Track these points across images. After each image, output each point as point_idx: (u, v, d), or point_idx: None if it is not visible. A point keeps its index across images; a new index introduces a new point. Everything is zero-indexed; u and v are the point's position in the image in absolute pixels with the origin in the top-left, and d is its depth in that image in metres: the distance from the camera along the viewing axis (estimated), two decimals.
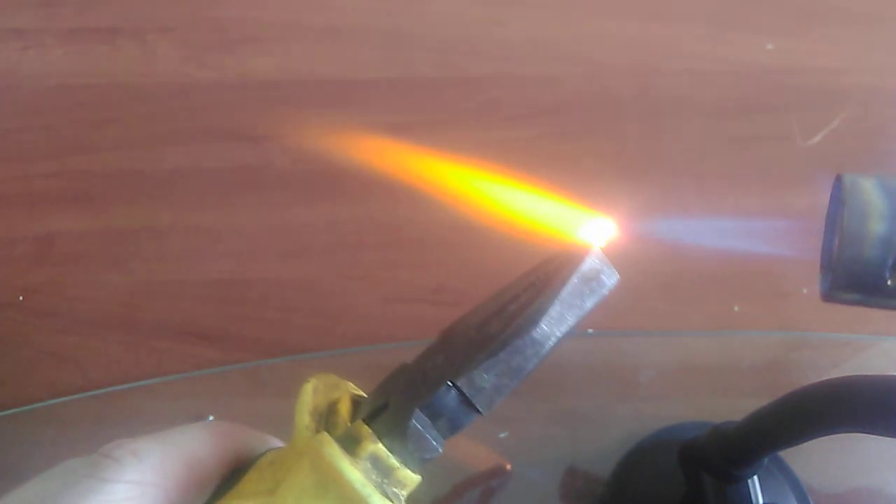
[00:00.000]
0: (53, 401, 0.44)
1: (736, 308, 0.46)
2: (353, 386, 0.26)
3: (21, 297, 0.46)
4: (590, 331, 0.45)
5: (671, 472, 0.37)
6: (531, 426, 0.43)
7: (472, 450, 0.42)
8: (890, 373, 0.26)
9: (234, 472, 0.24)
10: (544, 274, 0.23)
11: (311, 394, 0.24)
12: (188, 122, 0.49)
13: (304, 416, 0.23)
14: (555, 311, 0.22)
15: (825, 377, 0.28)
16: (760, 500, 0.34)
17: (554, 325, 0.22)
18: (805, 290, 0.46)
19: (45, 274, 0.46)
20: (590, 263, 0.23)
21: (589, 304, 0.23)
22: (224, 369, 0.45)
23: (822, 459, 0.41)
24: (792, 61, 0.51)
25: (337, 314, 0.46)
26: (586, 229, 0.25)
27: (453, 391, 0.22)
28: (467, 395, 0.22)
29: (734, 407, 0.35)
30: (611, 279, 0.24)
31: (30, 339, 0.45)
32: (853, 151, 0.50)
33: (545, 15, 0.52)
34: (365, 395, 0.25)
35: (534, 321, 0.22)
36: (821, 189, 0.49)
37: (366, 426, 0.22)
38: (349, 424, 0.23)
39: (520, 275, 0.24)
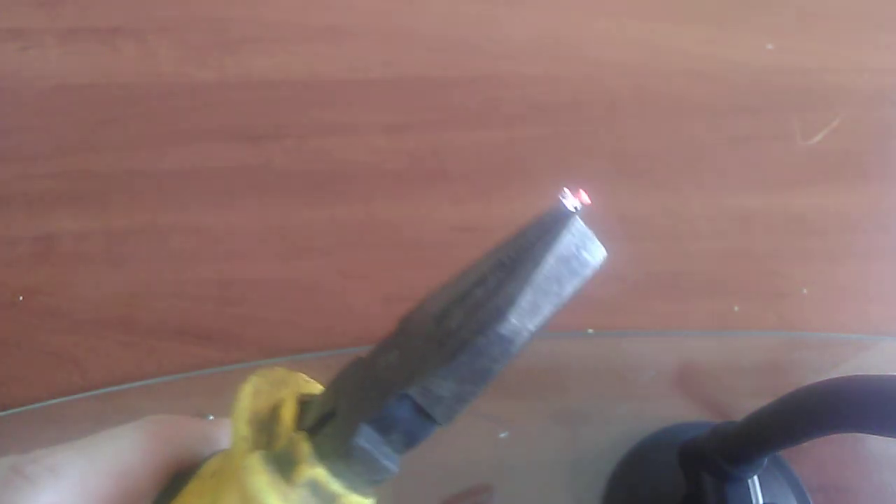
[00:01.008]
0: (53, 401, 0.44)
1: (736, 308, 0.46)
2: (306, 379, 0.23)
3: (21, 297, 0.46)
4: (590, 331, 0.45)
5: (671, 472, 0.37)
6: (531, 426, 0.43)
7: (472, 450, 0.42)
8: (890, 373, 0.26)
9: (177, 477, 0.22)
10: (515, 250, 0.19)
11: (250, 397, 0.21)
12: (188, 122, 0.49)
13: (240, 425, 0.20)
14: (526, 299, 0.18)
15: (825, 377, 0.28)
16: (760, 500, 0.34)
17: (525, 318, 0.18)
18: (805, 290, 0.46)
19: (45, 274, 0.46)
20: (568, 238, 0.19)
21: (569, 288, 0.19)
22: (224, 369, 0.45)
23: (822, 459, 0.41)
24: (792, 61, 0.52)
25: (337, 314, 0.46)
26: (566, 197, 0.20)
27: (407, 401, 0.19)
28: (423, 406, 0.19)
29: (734, 407, 0.35)
30: (595, 256, 0.19)
31: (30, 339, 0.45)
32: (853, 151, 0.50)
33: (545, 15, 0.52)
34: (318, 390, 0.22)
35: (501, 314, 0.18)
36: (821, 189, 0.50)
37: (306, 443, 0.19)
38: (292, 435, 0.20)
39: (489, 249, 0.20)
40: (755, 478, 0.34)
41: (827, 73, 0.51)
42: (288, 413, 0.20)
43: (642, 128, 0.50)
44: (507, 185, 0.48)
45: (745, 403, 0.33)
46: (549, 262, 0.18)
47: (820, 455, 0.41)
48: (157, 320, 0.45)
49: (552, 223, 0.19)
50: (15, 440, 0.43)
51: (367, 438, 0.19)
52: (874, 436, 0.26)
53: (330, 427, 0.19)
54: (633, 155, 0.49)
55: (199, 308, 0.46)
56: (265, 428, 0.20)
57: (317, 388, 0.23)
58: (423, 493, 0.41)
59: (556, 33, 0.52)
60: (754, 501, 0.34)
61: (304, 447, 0.19)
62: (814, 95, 0.51)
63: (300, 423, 0.20)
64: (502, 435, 0.42)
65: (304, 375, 0.23)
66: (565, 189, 0.20)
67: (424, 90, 0.50)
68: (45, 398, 0.44)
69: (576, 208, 0.20)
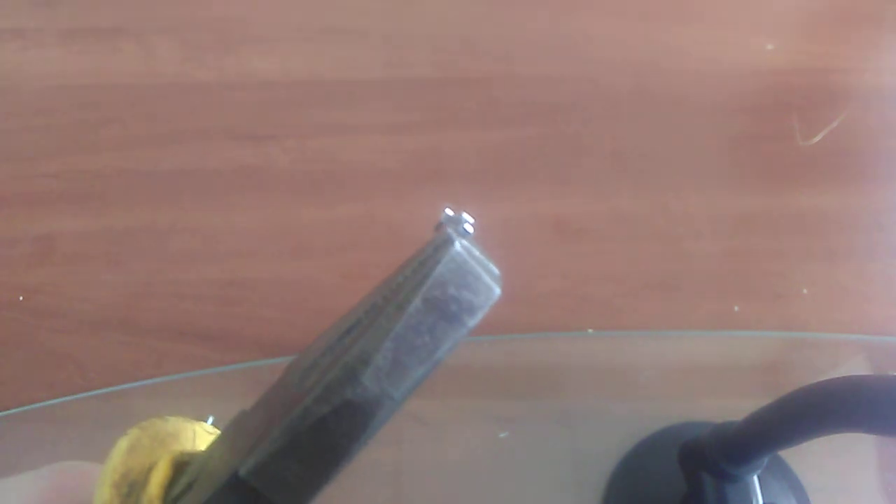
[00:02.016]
0: (53, 401, 0.44)
1: (736, 308, 0.46)
2: (209, 430, 0.20)
3: (21, 297, 0.46)
4: (590, 331, 0.45)
5: (671, 472, 0.37)
6: (531, 426, 0.43)
7: (472, 450, 0.42)
8: (890, 373, 0.26)
9: None
10: (390, 287, 0.16)
11: (123, 455, 0.18)
12: (188, 122, 0.49)
13: (104, 489, 0.17)
14: (384, 356, 0.14)
15: (825, 377, 0.28)
16: (760, 500, 0.34)
17: (384, 380, 0.14)
18: (805, 291, 0.46)
19: (45, 274, 0.46)
20: (443, 273, 0.14)
21: (445, 340, 0.15)
22: (224, 369, 0.45)
23: (822, 459, 0.41)
24: (792, 61, 0.52)
25: (337, 314, 0.46)
26: (447, 218, 0.16)
27: (242, 485, 0.15)
28: (261, 489, 0.15)
29: (734, 407, 0.35)
30: (482, 296, 0.15)
31: (30, 339, 0.45)
32: (853, 151, 0.50)
33: (545, 15, 0.52)
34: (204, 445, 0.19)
35: (350, 376, 0.14)
36: (821, 189, 0.50)
37: None
38: None
39: (382, 280, 0.17)
40: (755, 478, 0.34)
41: (827, 73, 0.51)
42: (157, 479, 0.18)
43: (642, 128, 0.50)
44: (507, 185, 0.48)
45: (745, 403, 0.33)
46: (416, 306, 0.14)
47: (820, 455, 0.41)
48: (157, 320, 0.45)
49: (430, 255, 0.15)
50: (15, 440, 0.43)
51: None
52: (874, 436, 0.26)
53: (184, 502, 0.17)
54: (633, 155, 0.49)
55: (199, 308, 0.46)
56: (135, 492, 0.18)
57: (205, 442, 0.20)
58: (423, 493, 0.41)
59: (556, 33, 0.52)
60: (754, 501, 0.34)
61: None
62: (814, 95, 0.51)
63: (170, 491, 0.18)
64: (502, 435, 0.42)
65: (206, 426, 0.20)
66: (446, 208, 0.16)
67: (424, 90, 0.50)
68: (45, 398, 0.44)
69: (458, 234, 0.15)
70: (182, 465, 0.18)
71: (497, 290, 0.15)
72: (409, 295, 0.14)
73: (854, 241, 0.48)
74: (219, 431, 0.20)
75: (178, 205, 0.48)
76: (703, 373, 0.44)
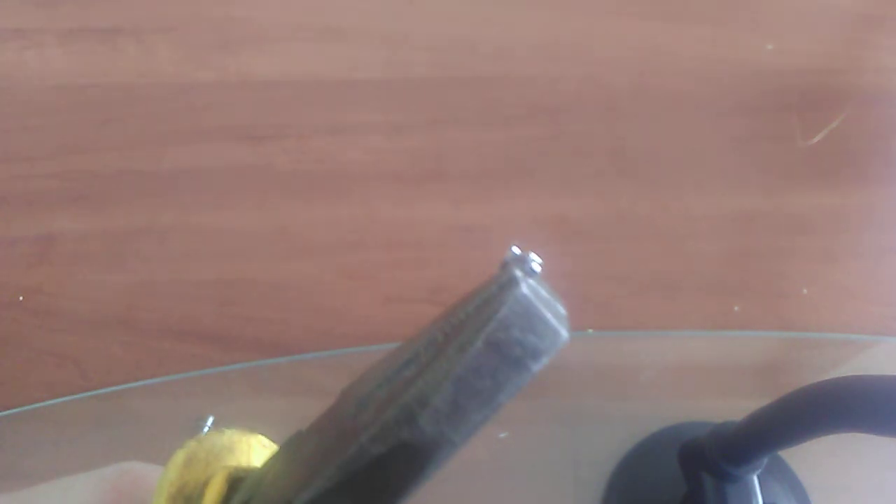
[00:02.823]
0: (53, 401, 0.44)
1: (736, 308, 0.46)
2: (264, 443, 0.20)
3: (21, 297, 0.46)
4: (590, 331, 0.45)
5: (671, 472, 0.37)
6: (531, 426, 0.43)
7: (472, 450, 0.42)
8: (890, 373, 0.26)
9: None
10: (451, 323, 0.15)
11: (179, 469, 0.18)
12: (188, 122, 0.49)
13: (160, 501, 0.17)
14: (443, 398, 0.14)
15: (825, 377, 0.28)
16: (760, 500, 0.34)
17: (443, 423, 0.14)
18: (805, 291, 0.46)
19: (45, 274, 0.46)
20: (507, 316, 0.14)
21: (508, 385, 0.14)
22: (224, 369, 0.45)
23: (822, 459, 0.41)
24: (792, 61, 0.51)
25: (337, 314, 0.46)
26: (514, 257, 0.15)
27: None
28: None
29: (734, 407, 0.35)
30: (548, 341, 0.14)
31: (30, 339, 0.45)
32: (853, 151, 0.50)
33: (545, 15, 0.52)
34: (261, 460, 0.19)
35: (408, 417, 0.14)
36: (821, 189, 0.50)
37: None
38: None
39: (444, 310, 0.16)
40: (755, 478, 0.34)
41: (827, 73, 0.51)
42: (211, 495, 0.17)
43: (642, 128, 0.50)
44: (507, 185, 0.48)
45: (745, 403, 0.33)
46: (478, 349, 0.14)
47: (820, 455, 0.41)
48: (157, 320, 0.45)
49: (495, 293, 0.15)
50: (15, 440, 0.43)
51: None
52: (874, 436, 0.26)
53: None
54: (633, 155, 0.49)
55: (199, 308, 0.46)
56: None
57: (268, 453, 0.20)
58: (424, 493, 0.41)
59: (556, 33, 0.52)
60: (754, 501, 0.34)
61: None
62: (814, 95, 0.51)
63: None
64: (502, 435, 0.42)
65: (262, 439, 0.20)
66: (513, 247, 0.15)
67: (424, 90, 0.50)
68: (45, 398, 0.44)
69: (524, 273, 0.15)
70: (237, 480, 0.18)
71: (564, 334, 0.14)
72: (472, 336, 0.14)
73: (854, 241, 0.48)
74: (272, 444, 0.20)
75: (178, 205, 0.48)
76: (703, 373, 0.44)
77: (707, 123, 0.50)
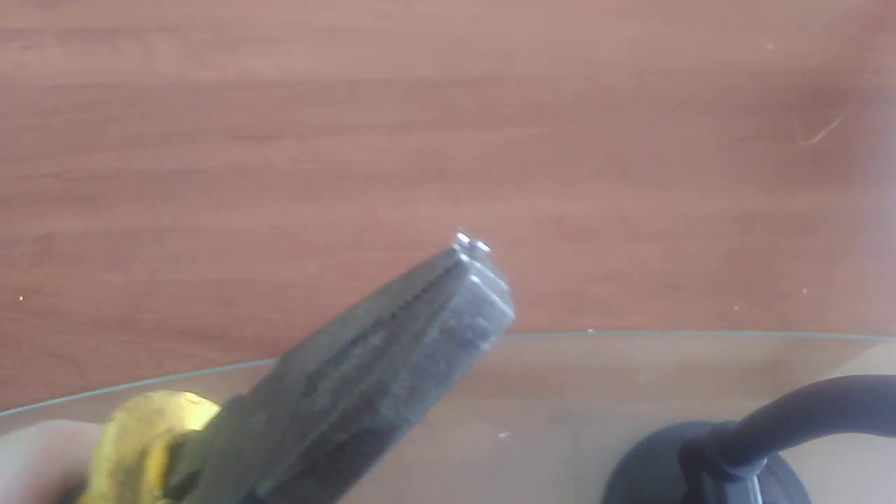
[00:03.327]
0: (53, 401, 0.44)
1: (736, 308, 0.46)
2: (193, 400, 0.20)
3: (21, 297, 0.46)
4: (590, 331, 0.45)
5: (671, 472, 0.37)
6: (531, 426, 0.43)
7: (472, 450, 0.42)
8: (890, 373, 0.26)
9: (67, 497, 0.19)
10: (398, 304, 0.16)
11: (113, 442, 0.17)
12: (188, 122, 0.49)
13: (100, 479, 0.17)
14: (402, 385, 0.15)
15: (825, 377, 0.28)
16: (760, 500, 0.34)
17: (402, 407, 0.15)
18: (805, 290, 0.46)
19: (45, 274, 0.46)
20: (459, 303, 0.15)
21: (460, 366, 0.15)
22: (224, 369, 0.45)
23: (822, 459, 0.41)
24: (792, 61, 0.51)
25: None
26: (461, 243, 0.16)
27: (259, 501, 0.15)
28: None
29: (734, 407, 0.35)
30: (496, 322, 0.15)
31: (30, 339, 0.45)
32: (853, 151, 0.50)
33: (545, 15, 0.52)
34: (205, 415, 0.19)
35: (370, 405, 0.14)
36: (821, 189, 0.50)
37: None
38: (153, 500, 0.17)
39: (381, 287, 0.17)
40: (755, 478, 0.34)
41: (827, 73, 0.51)
42: (154, 466, 0.17)
43: (642, 128, 0.50)
44: (507, 185, 0.48)
45: (745, 403, 0.33)
46: (433, 336, 0.14)
47: (820, 455, 0.41)
48: (157, 320, 0.45)
49: (442, 277, 0.15)
50: None
51: None
52: (874, 436, 0.26)
53: (189, 501, 0.16)
54: (633, 155, 0.49)
55: (199, 308, 0.46)
56: (131, 479, 0.17)
57: (204, 412, 0.20)
58: (423, 493, 0.41)
59: (556, 33, 0.52)
60: (754, 501, 0.34)
61: None
62: (814, 95, 0.51)
63: (169, 478, 0.17)
64: (502, 435, 0.42)
65: (190, 396, 0.20)
66: (460, 233, 0.16)
67: (424, 90, 0.50)
68: (45, 398, 0.44)
69: (470, 258, 0.16)
70: (177, 446, 0.18)
71: (510, 314, 0.15)
72: (426, 325, 0.15)
73: (854, 241, 0.48)
74: (201, 400, 0.20)
75: (178, 205, 0.48)
76: (703, 373, 0.44)
77: (707, 123, 0.50)
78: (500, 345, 0.43)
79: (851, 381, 0.27)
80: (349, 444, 0.15)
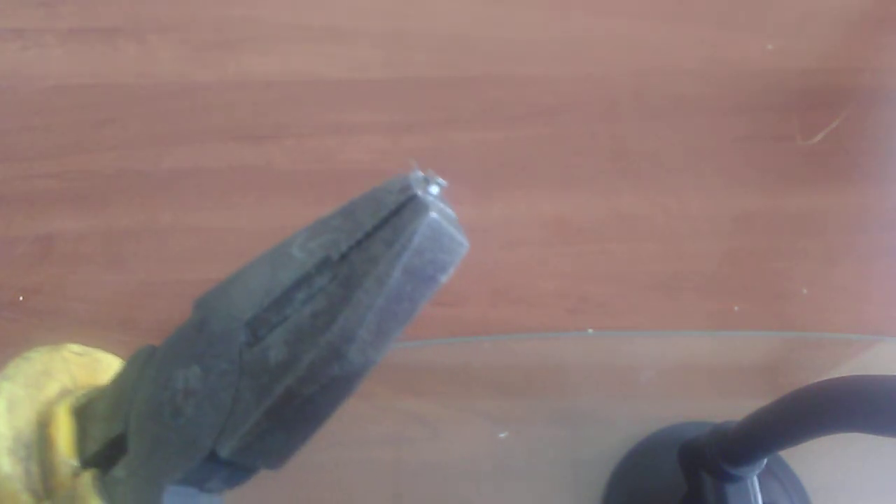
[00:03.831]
0: None
1: (736, 308, 0.46)
2: (78, 351, 0.18)
3: (21, 297, 0.45)
4: (590, 331, 0.45)
5: (671, 472, 0.37)
6: (531, 426, 0.43)
7: (471, 450, 0.42)
8: (890, 373, 0.26)
9: None
10: (346, 241, 0.15)
11: (5, 417, 0.15)
12: (188, 122, 0.49)
13: (1, 460, 0.15)
14: (369, 329, 0.14)
15: (825, 377, 0.28)
16: (760, 500, 0.34)
17: (369, 349, 0.14)
18: (805, 291, 0.46)
19: (45, 274, 0.46)
20: (421, 241, 0.15)
21: (422, 301, 0.15)
22: None
23: (822, 459, 0.41)
24: (792, 61, 0.51)
25: None
26: (416, 178, 0.15)
27: (221, 458, 0.14)
28: (242, 463, 0.15)
29: (734, 407, 0.35)
30: (455, 253, 0.15)
31: (30, 339, 0.45)
32: (853, 151, 0.50)
33: (545, 15, 0.52)
34: (97, 367, 0.18)
35: (338, 354, 0.14)
36: (821, 189, 0.50)
37: (96, 500, 0.15)
38: (75, 476, 0.15)
39: (312, 224, 0.16)
40: (755, 478, 0.34)
41: (827, 73, 0.51)
42: (62, 435, 0.16)
43: (642, 128, 0.50)
44: (507, 185, 0.48)
45: (745, 403, 0.33)
46: (397, 279, 0.14)
47: (820, 455, 0.41)
48: (157, 320, 0.45)
49: (397, 213, 0.15)
50: None
51: (176, 500, 0.15)
52: (874, 436, 0.26)
53: (123, 469, 0.15)
54: (633, 155, 0.49)
55: None
56: (35, 452, 0.15)
57: (95, 363, 0.18)
58: (423, 493, 0.41)
59: (556, 33, 0.52)
60: (754, 501, 0.34)
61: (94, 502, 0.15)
62: (814, 95, 0.51)
63: (82, 445, 0.16)
64: (502, 435, 0.42)
65: (74, 347, 0.18)
66: (414, 166, 0.15)
67: (424, 90, 0.50)
68: None
69: (428, 193, 0.15)
70: (81, 409, 0.17)
71: (466, 244, 0.15)
72: (388, 267, 0.14)
73: (854, 241, 0.48)
74: (86, 349, 0.18)
75: (178, 205, 0.48)
76: (703, 373, 0.44)
77: (707, 123, 0.50)
78: (501, 345, 0.43)
79: (851, 381, 0.27)
80: (318, 394, 0.14)
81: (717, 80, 0.51)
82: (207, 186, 0.48)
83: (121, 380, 0.17)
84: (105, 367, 0.19)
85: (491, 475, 0.41)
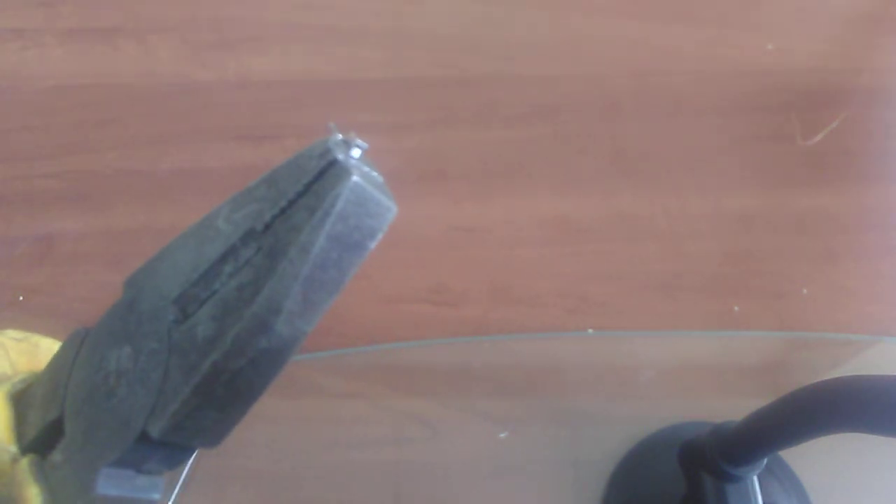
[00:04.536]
0: None
1: (736, 308, 0.46)
2: (13, 336, 0.18)
3: (21, 297, 0.45)
4: (590, 331, 0.45)
5: (671, 472, 0.37)
6: (531, 426, 0.43)
7: (472, 450, 0.42)
8: (890, 373, 0.26)
9: None
10: (270, 211, 0.15)
11: None
12: (188, 122, 0.49)
13: None
14: (295, 300, 0.14)
15: (825, 377, 0.28)
16: (760, 501, 0.34)
17: (297, 320, 0.14)
18: (805, 291, 0.46)
19: (45, 274, 0.46)
20: (346, 207, 0.14)
21: (351, 268, 0.15)
22: None
23: (822, 459, 0.41)
24: (792, 61, 0.51)
25: (336, 314, 0.46)
26: (336, 141, 0.15)
27: (153, 439, 0.14)
28: (177, 441, 0.14)
29: (734, 407, 0.35)
30: (382, 217, 0.14)
31: None
32: (853, 151, 0.50)
33: (545, 15, 0.52)
34: (26, 352, 0.17)
35: (264, 326, 0.13)
36: (821, 189, 0.50)
37: (34, 486, 0.14)
38: (12, 459, 0.15)
39: (235, 195, 0.16)
40: (755, 478, 0.34)
41: (827, 73, 0.51)
42: (1, 422, 0.15)
43: (642, 128, 0.50)
44: (507, 185, 0.48)
45: (745, 403, 0.33)
46: (321, 245, 0.14)
47: (820, 455, 0.41)
48: None
49: (319, 179, 0.14)
50: None
51: (111, 483, 0.14)
52: (874, 436, 0.26)
53: (60, 453, 0.15)
54: (633, 155, 0.49)
55: None
56: None
57: (34, 348, 0.18)
58: (423, 493, 0.41)
59: (556, 33, 0.52)
60: (754, 501, 0.34)
61: (32, 490, 0.14)
62: (814, 95, 0.51)
63: (21, 431, 0.16)
64: (502, 435, 0.42)
65: (12, 332, 0.18)
66: (333, 127, 0.15)
67: (424, 90, 0.50)
68: None
69: (350, 157, 0.14)
70: (19, 395, 0.16)
71: (394, 207, 0.14)
72: (312, 235, 0.14)
73: (854, 241, 0.48)
74: (26, 335, 0.18)
75: (178, 205, 0.47)
76: (703, 373, 0.44)
77: (707, 123, 0.50)
78: (501, 345, 0.43)
79: (851, 381, 0.27)
80: (246, 368, 0.14)
81: (717, 80, 0.51)
82: (207, 186, 0.48)
83: (56, 363, 0.16)
84: (45, 351, 0.18)
85: (491, 475, 0.41)
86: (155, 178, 0.48)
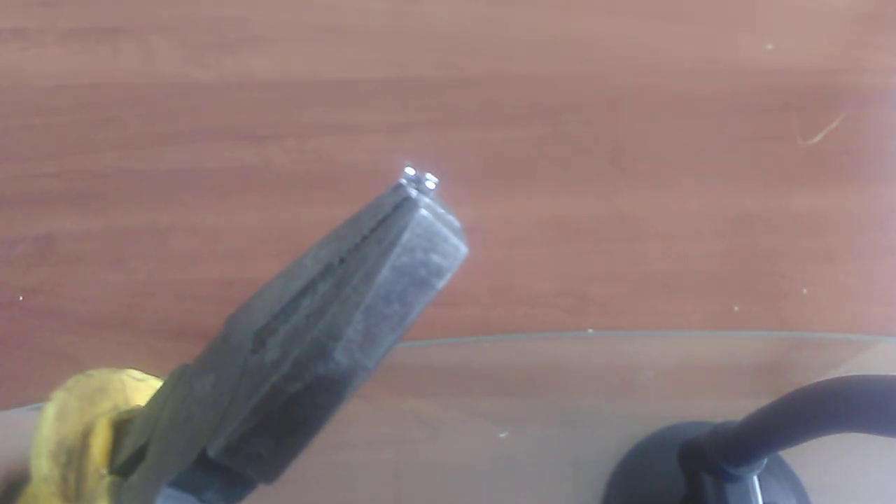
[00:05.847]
0: None
1: (736, 308, 0.46)
2: (137, 377, 0.19)
3: (21, 297, 0.45)
4: (590, 331, 0.45)
5: (671, 472, 0.37)
6: (531, 426, 0.43)
7: (472, 450, 0.42)
8: (890, 373, 0.26)
9: (13, 485, 0.18)
10: (346, 248, 0.15)
11: (52, 423, 0.16)
12: (188, 122, 0.49)
13: (40, 461, 0.16)
14: (356, 329, 0.14)
15: (825, 377, 0.28)
16: (760, 501, 0.34)
17: (357, 352, 0.14)
18: (805, 291, 0.46)
19: (45, 274, 0.46)
20: (411, 239, 0.14)
21: (416, 305, 0.14)
22: None
23: (822, 459, 0.41)
24: (792, 61, 0.51)
25: None
26: (408, 177, 0.15)
27: (211, 462, 0.14)
28: (232, 466, 0.14)
29: (734, 407, 0.35)
30: (450, 258, 0.14)
31: (30, 339, 0.45)
32: (853, 151, 0.50)
33: (545, 15, 0.52)
34: (148, 394, 0.18)
35: (322, 351, 0.14)
36: (821, 189, 0.50)
37: (104, 502, 0.15)
38: (102, 475, 0.16)
39: (326, 236, 0.17)
40: (755, 478, 0.34)
41: (827, 73, 0.51)
42: (98, 443, 0.16)
43: (642, 128, 0.50)
44: (507, 185, 0.48)
45: (745, 403, 0.33)
46: (385, 276, 0.14)
47: (820, 455, 0.41)
48: (157, 320, 0.45)
49: (391, 215, 0.14)
50: None
51: (169, 503, 0.14)
52: (874, 436, 0.26)
53: (137, 475, 0.15)
54: (633, 155, 0.49)
55: (199, 308, 0.46)
56: (74, 460, 0.16)
57: (151, 388, 0.19)
58: (423, 493, 0.41)
59: (557, 33, 0.52)
60: (754, 501, 0.34)
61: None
62: (814, 95, 0.51)
63: (115, 456, 0.16)
64: (502, 435, 0.42)
65: (134, 373, 0.19)
66: (407, 166, 0.15)
67: (424, 90, 0.50)
68: (45, 398, 0.44)
69: (420, 193, 0.15)
70: (122, 423, 0.17)
71: (464, 249, 0.15)
72: (377, 264, 0.14)
73: (854, 241, 0.48)
74: (146, 377, 0.19)
75: (178, 205, 0.48)
76: (703, 373, 0.44)
77: (707, 123, 0.50)
78: (501, 345, 0.43)
79: (851, 381, 0.27)
80: (303, 394, 0.14)
81: (716, 79, 0.51)
82: (207, 186, 0.48)
83: (155, 396, 0.17)
84: None
85: (491, 475, 0.41)
86: (155, 178, 0.48)
